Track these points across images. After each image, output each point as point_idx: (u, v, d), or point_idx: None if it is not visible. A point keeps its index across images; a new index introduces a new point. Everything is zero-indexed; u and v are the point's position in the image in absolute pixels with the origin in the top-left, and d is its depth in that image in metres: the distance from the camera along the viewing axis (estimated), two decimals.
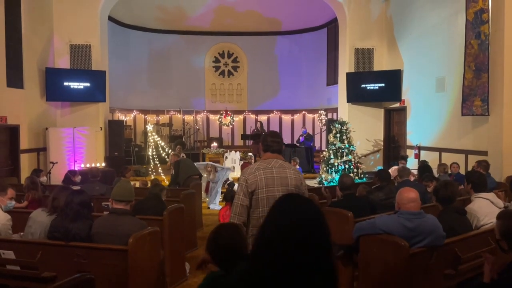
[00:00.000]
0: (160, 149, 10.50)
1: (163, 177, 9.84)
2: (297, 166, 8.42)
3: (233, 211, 2.58)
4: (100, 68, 10.53)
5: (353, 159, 8.88)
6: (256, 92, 15.63)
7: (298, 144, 12.05)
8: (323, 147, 13.44)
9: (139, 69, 14.80)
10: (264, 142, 2.77)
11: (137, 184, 7.14)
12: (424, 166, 6.24)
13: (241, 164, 8.85)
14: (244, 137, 13.46)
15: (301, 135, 12.41)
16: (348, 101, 10.80)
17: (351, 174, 8.38)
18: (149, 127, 10.44)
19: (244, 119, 15.80)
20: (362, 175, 8.94)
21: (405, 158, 8.05)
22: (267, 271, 1.04)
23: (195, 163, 7.65)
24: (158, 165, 10.12)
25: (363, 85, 10.59)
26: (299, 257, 1.05)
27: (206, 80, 15.78)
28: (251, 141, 12.65)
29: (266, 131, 13.14)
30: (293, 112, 15.58)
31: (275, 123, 15.72)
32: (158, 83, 15.03)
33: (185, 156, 8.63)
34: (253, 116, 15.77)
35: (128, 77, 14.49)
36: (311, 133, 13.67)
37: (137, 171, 10.98)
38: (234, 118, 15.54)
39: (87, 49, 10.50)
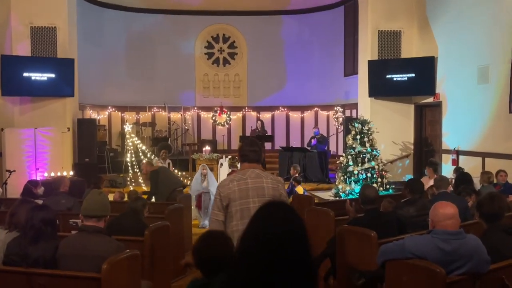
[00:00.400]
0: (140, 154, 10.50)
1: (145, 188, 9.84)
2: (296, 175, 8.42)
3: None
4: (67, 56, 10.57)
5: (376, 166, 8.88)
6: (258, 84, 15.67)
7: (309, 148, 12.07)
8: (340, 152, 13.44)
9: (115, 57, 14.87)
10: (241, 152, 3.12)
11: (112, 197, 7.13)
12: (461, 176, 6.16)
13: (229, 172, 8.91)
14: (243, 139, 13.47)
15: (313, 137, 12.43)
16: (370, 95, 10.80)
17: (374, 185, 8.36)
18: (127, 128, 10.46)
19: (244, 117, 15.82)
20: (387, 186, 8.93)
21: (434, 164, 7.34)
22: (245, 283, 1.21)
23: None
24: (139, 173, 10.13)
25: (388, 76, 10.60)
26: (278, 270, 1.23)
27: (196, 70, 15.83)
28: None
29: (268, 132, 13.15)
30: (303, 108, 15.60)
31: (281, 122, 15.74)
32: (138, 73, 15.08)
33: (171, 163, 8.65)
34: (254, 113, 15.79)
35: (102, 67, 14.56)
36: (325, 134, 13.67)
37: (113, 181, 11.00)
38: (231, 116, 15.56)
39: (52, 33, 10.55)
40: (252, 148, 3.13)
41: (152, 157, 10.13)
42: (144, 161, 8.14)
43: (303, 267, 1.23)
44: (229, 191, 3.00)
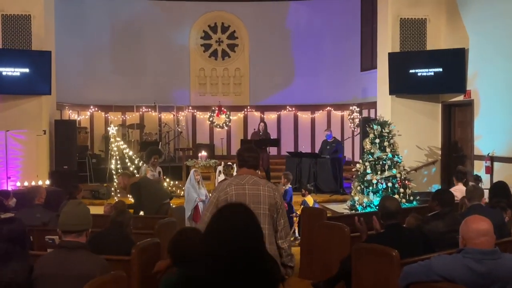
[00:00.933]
0: (127, 160, 10.51)
1: (132, 200, 9.85)
2: (288, 186, 8.35)
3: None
4: (43, 48, 10.62)
5: (398, 175, 8.85)
6: (262, 80, 15.70)
7: (327, 156, 11.98)
8: (356, 158, 13.41)
9: (98, 49, 14.94)
10: (239, 157, 3.54)
11: (98, 209, 7.14)
12: (496, 186, 6.12)
13: (222, 180, 8.91)
14: (245, 143, 13.47)
15: (327, 143, 12.35)
16: (391, 92, 10.79)
17: (396, 196, 8.34)
18: (112, 130, 10.49)
19: (245, 118, 15.84)
20: (411, 198, 8.90)
21: (461, 173, 7.30)
22: (205, 276, 1.69)
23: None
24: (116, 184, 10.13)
25: (412, 71, 10.58)
26: (237, 264, 1.70)
27: (191, 64, 15.87)
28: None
29: (270, 135, 13.14)
30: (313, 108, 15.61)
31: (288, 123, 15.75)
32: (124, 68, 15.14)
33: (161, 171, 8.64)
34: (257, 114, 15.81)
35: (83, 61, 14.62)
36: (338, 138, 13.66)
37: (95, 191, 11.02)
38: (230, 117, 15.58)
39: (26, 22, 10.60)
40: (251, 154, 3.53)
41: (141, 163, 10.15)
42: (120, 173, 8.05)
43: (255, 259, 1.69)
44: (226, 195, 3.35)
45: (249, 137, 13.71)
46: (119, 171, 10.07)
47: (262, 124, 13.09)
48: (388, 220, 4.09)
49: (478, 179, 7.94)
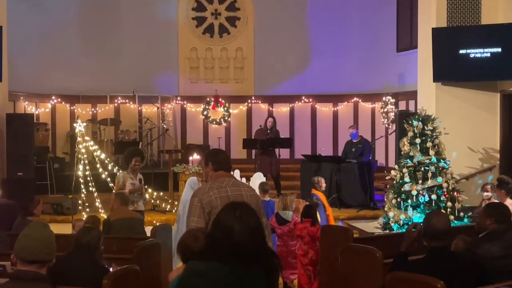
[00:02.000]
0: (98, 165, 10.52)
1: (104, 215, 9.85)
2: (267, 199, 8.21)
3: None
4: None
5: (445, 184, 8.81)
6: (270, 63, 15.70)
7: (353, 160, 11.95)
8: (391, 163, 13.36)
9: (63, 26, 15.00)
10: (214, 160, 4.30)
11: (62, 228, 7.13)
12: None
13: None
14: (248, 144, 13.48)
15: (352, 143, 12.31)
16: (436, 79, 10.76)
17: (442, 211, 8.29)
18: (79, 127, 10.50)
19: (249, 112, 15.84)
20: (461, 214, 8.87)
21: (505, 184, 7.61)
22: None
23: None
24: (96, 194, 10.15)
25: (462, 51, 10.55)
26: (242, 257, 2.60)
27: (180, 43, 15.88)
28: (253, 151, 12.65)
29: (279, 133, 13.09)
30: (336, 99, 15.58)
31: (304, 118, 15.74)
32: (95, 49, 15.19)
33: (142, 179, 8.62)
34: (264, 106, 15.80)
35: (43, 40, 14.67)
36: (367, 136, 13.63)
37: (58, 205, 11.04)
38: (230, 111, 15.57)
39: None
40: (223, 155, 4.42)
41: (116, 169, 10.15)
42: (113, 193, 8.03)
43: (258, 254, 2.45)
44: (209, 198, 4.06)
45: (253, 136, 13.69)
46: (89, 179, 10.08)
47: (270, 119, 13.06)
48: (432, 241, 4.07)
49: (505, 184, 7.92)
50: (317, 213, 7.49)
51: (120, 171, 8.62)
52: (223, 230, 2.67)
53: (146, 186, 9.47)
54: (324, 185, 8.91)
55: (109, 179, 10.40)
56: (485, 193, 8.15)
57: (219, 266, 2.62)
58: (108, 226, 6.93)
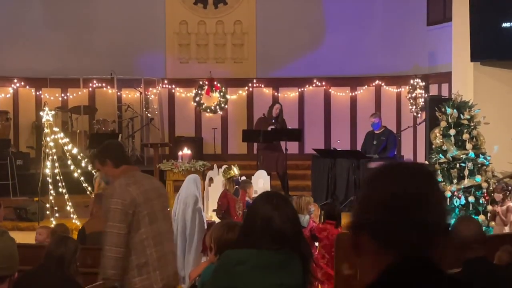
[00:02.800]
0: (70, 161, 10.54)
1: (77, 222, 9.86)
2: (249, 199, 8.43)
3: (108, 242, 4.36)
4: None
5: (485, 184, 8.82)
6: (275, 40, 15.68)
7: (374, 155, 11.95)
8: (420, 157, 13.35)
9: None
10: (112, 156, 4.71)
11: (26, 237, 7.15)
12: None
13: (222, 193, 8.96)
14: (249, 136, 13.48)
15: (374, 135, 12.31)
16: (473, 58, 10.74)
17: (481, 217, 8.31)
18: (47, 116, 10.52)
19: (250, 98, 15.84)
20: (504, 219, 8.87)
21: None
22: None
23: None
24: (66, 196, 10.16)
25: (506, 24, 10.53)
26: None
27: (167, 15, 15.86)
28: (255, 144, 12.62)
29: (286, 122, 13.08)
30: (354, 82, 15.58)
31: (316, 105, 15.72)
32: (65, 21, 15.16)
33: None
34: (268, 90, 15.79)
35: (2, 11, 14.62)
36: (391, 127, 13.62)
37: (21, 209, 11.05)
38: (228, 96, 15.54)
39: None
40: (122, 148, 4.99)
41: (94, 172, 10.16)
42: (96, 194, 8.01)
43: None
44: (131, 196, 4.43)
45: (254, 127, 13.70)
46: (58, 178, 10.09)
47: (277, 105, 13.08)
48: (466, 252, 4.08)
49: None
50: None
51: (97, 173, 8.56)
52: (263, 220, 3.14)
53: None
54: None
55: (82, 178, 10.43)
56: (496, 194, 8.43)
57: (259, 253, 3.10)
58: (81, 237, 6.94)
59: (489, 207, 8.54)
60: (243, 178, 9.80)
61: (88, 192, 10.64)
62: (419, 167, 1.76)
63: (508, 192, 8.32)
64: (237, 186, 8.99)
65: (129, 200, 4.42)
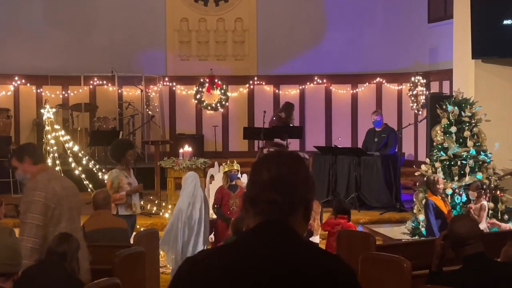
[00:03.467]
0: (71, 159, 10.54)
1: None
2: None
3: (26, 232, 4.60)
4: None
5: (486, 181, 8.81)
6: (276, 37, 15.68)
7: (375, 153, 11.95)
8: (421, 156, 13.35)
9: None
10: (31, 153, 4.90)
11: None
12: None
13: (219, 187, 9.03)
14: (249, 133, 13.48)
15: (375, 132, 12.30)
16: (475, 55, 10.72)
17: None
18: (48, 113, 10.53)
19: (251, 95, 15.85)
20: (506, 216, 8.87)
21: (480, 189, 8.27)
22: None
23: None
24: None
25: (507, 21, 10.52)
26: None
27: (168, 13, 15.85)
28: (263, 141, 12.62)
29: (288, 120, 13.08)
30: (355, 79, 15.58)
31: (317, 102, 15.74)
32: (65, 19, 15.15)
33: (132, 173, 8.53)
34: (269, 88, 15.80)
35: (2, 8, 14.61)
36: (392, 124, 13.61)
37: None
38: (228, 93, 15.53)
39: None
40: (38, 147, 5.49)
41: (91, 164, 10.14)
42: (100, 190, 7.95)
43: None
44: (54, 191, 4.67)
45: (257, 124, 13.64)
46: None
47: (285, 105, 13.10)
48: (464, 249, 4.08)
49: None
50: None
51: (111, 171, 8.39)
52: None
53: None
54: (442, 186, 8.77)
55: (83, 175, 10.43)
56: (471, 193, 8.55)
57: None
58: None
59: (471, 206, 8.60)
60: (244, 175, 9.80)
61: (89, 190, 10.63)
62: (289, 155, 2.36)
63: (483, 191, 8.41)
64: (233, 183, 8.97)
65: (52, 194, 4.66)
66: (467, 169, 8.87)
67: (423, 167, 9.35)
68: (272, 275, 2.05)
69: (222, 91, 15.38)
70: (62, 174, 10.07)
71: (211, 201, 8.97)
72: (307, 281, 2.05)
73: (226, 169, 8.93)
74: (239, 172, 9.52)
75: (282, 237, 2.15)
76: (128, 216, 7.78)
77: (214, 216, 8.74)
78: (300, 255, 2.12)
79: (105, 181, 8.88)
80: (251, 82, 15.76)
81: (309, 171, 2.32)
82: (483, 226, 8.09)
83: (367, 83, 15.55)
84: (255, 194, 2.21)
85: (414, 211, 9.28)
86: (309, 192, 2.25)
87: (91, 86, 15.37)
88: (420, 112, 14.14)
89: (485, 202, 8.36)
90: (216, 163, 10.52)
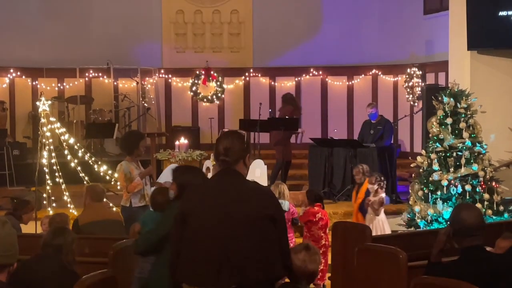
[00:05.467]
0: (67, 151, 10.52)
1: (74, 212, 9.86)
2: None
3: None
4: None
5: (482, 173, 8.81)
6: (272, 29, 15.66)
7: (371, 144, 11.96)
8: (417, 147, 13.36)
9: None
10: None
11: (40, 227, 7.14)
12: None
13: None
14: (245, 125, 13.45)
15: (371, 124, 12.31)
16: (470, 46, 10.72)
17: (478, 205, 8.31)
18: (43, 106, 10.48)
19: (247, 87, 15.84)
20: (501, 208, 8.88)
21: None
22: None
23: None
24: (63, 186, 10.15)
25: (502, 13, 10.51)
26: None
27: (163, 4, 15.81)
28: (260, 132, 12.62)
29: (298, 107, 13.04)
30: (351, 71, 15.58)
31: (312, 94, 15.76)
32: (61, 11, 15.12)
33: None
34: (264, 80, 15.79)
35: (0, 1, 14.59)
36: (388, 116, 13.60)
37: (18, 199, 11.02)
38: (224, 85, 15.52)
39: None
40: None
41: (87, 157, 10.11)
42: (89, 185, 7.93)
43: None
44: None
45: (254, 116, 13.61)
46: (55, 168, 10.07)
47: (288, 95, 13.02)
48: (465, 240, 4.08)
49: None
50: None
51: (122, 163, 8.33)
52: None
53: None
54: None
55: (79, 168, 10.40)
56: (370, 186, 8.82)
57: None
58: (74, 229, 6.89)
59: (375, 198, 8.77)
60: None
61: (85, 182, 10.62)
62: (232, 133, 4.28)
63: (382, 183, 8.72)
64: None
65: None
66: (463, 161, 8.85)
67: (418, 158, 9.34)
68: (225, 190, 3.92)
69: (218, 83, 15.36)
70: (58, 167, 10.16)
71: None
72: (243, 193, 3.92)
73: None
74: None
75: (230, 175, 3.98)
76: (142, 207, 7.78)
77: None
78: (239, 182, 3.98)
79: (116, 176, 8.86)
80: (247, 74, 15.74)
81: (243, 142, 4.12)
82: (382, 217, 8.60)
83: (363, 75, 15.53)
84: (217, 157, 4.04)
85: (410, 202, 9.28)
86: (243, 152, 4.04)
87: (86, 79, 15.34)
88: (416, 104, 14.14)
89: (383, 195, 8.69)
90: (212, 155, 10.51)
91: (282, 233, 3.94)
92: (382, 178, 8.85)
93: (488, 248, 4.67)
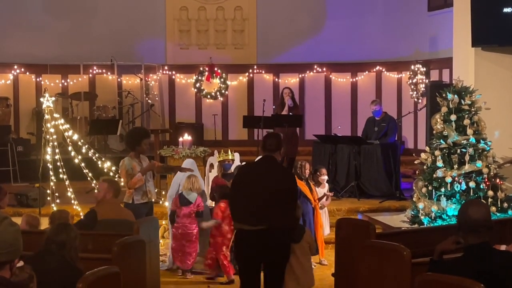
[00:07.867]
0: (71, 148, 10.52)
1: (79, 208, 9.86)
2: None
3: None
4: None
5: (486, 170, 8.80)
6: (276, 25, 15.67)
7: (375, 141, 11.97)
8: (421, 144, 13.35)
9: None
10: None
11: (23, 223, 7.16)
12: None
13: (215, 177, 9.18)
14: (249, 121, 13.45)
15: (375, 121, 12.31)
16: (475, 43, 10.70)
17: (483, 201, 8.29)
18: (47, 102, 10.48)
19: (250, 84, 15.85)
20: (505, 204, 8.87)
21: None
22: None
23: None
24: (67, 182, 10.16)
25: (507, 9, 10.49)
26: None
27: (167, 2, 15.84)
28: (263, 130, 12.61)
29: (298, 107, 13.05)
30: (355, 68, 15.58)
31: (316, 91, 15.76)
32: (64, 7, 15.13)
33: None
34: (268, 76, 15.79)
35: None
36: (392, 113, 13.59)
37: (22, 195, 11.06)
38: (228, 82, 15.52)
39: None
40: None
41: (91, 153, 10.11)
42: (104, 179, 7.88)
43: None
44: None
45: (257, 113, 13.62)
46: (59, 164, 10.08)
47: (287, 91, 12.95)
48: (469, 237, 4.07)
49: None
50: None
51: (124, 159, 8.30)
52: None
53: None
54: (308, 171, 9.02)
55: (83, 164, 10.40)
56: (323, 177, 9.48)
57: None
58: (92, 221, 6.81)
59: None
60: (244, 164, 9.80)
61: (89, 178, 10.62)
62: (274, 135, 6.56)
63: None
64: (231, 171, 9.02)
65: None
66: (467, 157, 8.84)
67: (422, 155, 9.33)
68: (263, 168, 6.09)
69: (222, 79, 15.36)
70: (62, 163, 10.18)
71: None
72: (273, 171, 5.99)
73: (220, 159, 9.10)
74: (239, 161, 9.54)
75: (268, 159, 5.99)
76: (144, 204, 7.82)
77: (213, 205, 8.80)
78: (272, 164, 5.99)
79: (118, 171, 8.83)
80: (250, 70, 15.74)
81: (280, 140, 6.13)
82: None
83: (367, 72, 15.53)
84: (264, 147, 6.04)
85: (414, 199, 9.28)
86: (279, 147, 6.02)
87: (90, 75, 15.36)
88: (420, 101, 14.14)
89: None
90: (216, 152, 10.50)
91: (294, 199, 6.12)
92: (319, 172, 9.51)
93: (502, 246, 4.66)
